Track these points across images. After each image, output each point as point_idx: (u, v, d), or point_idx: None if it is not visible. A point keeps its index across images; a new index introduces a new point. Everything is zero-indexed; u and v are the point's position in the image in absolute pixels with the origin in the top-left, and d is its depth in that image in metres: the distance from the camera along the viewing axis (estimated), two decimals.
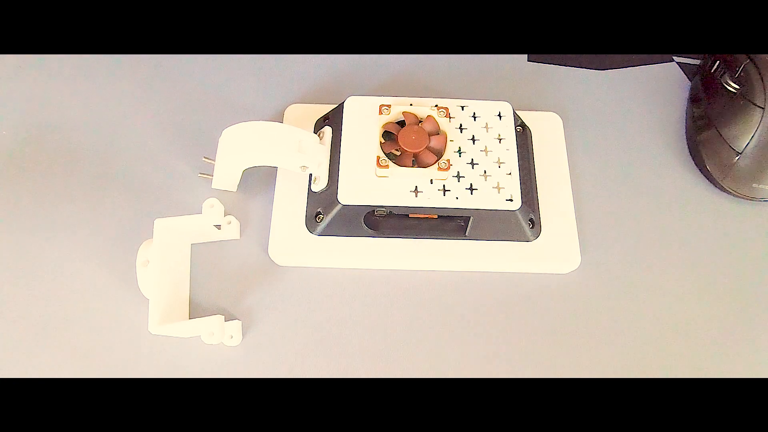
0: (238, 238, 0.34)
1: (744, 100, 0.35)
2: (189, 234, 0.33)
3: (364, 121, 0.33)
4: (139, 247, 0.31)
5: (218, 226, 0.33)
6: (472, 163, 0.32)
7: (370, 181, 0.31)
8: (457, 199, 0.31)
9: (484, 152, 0.32)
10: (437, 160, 0.32)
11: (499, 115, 0.33)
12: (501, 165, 0.32)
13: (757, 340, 0.32)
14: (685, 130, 0.39)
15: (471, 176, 0.32)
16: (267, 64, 0.40)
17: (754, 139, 0.34)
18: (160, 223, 0.31)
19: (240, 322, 0.32)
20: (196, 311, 0.32)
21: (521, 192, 0.31)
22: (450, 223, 0.33)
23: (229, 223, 0.33)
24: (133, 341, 0.31)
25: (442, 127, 0.33)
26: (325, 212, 0.32)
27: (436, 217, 0.33)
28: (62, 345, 0.31)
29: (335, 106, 0.35)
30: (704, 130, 0.37)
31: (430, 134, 0.32)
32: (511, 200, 0.31)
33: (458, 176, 0.31)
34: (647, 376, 0.31)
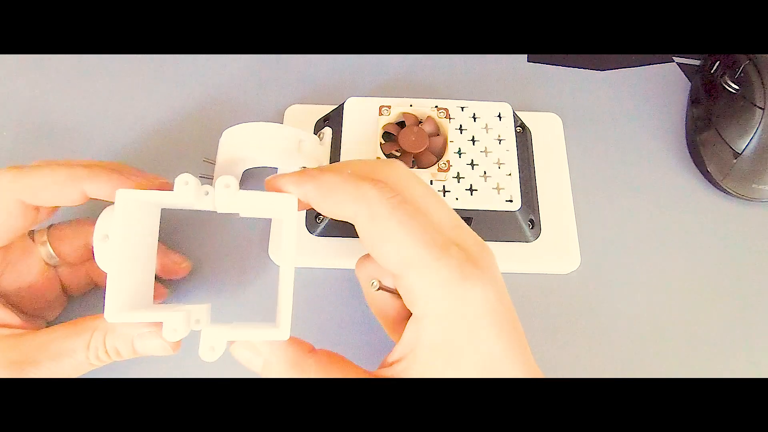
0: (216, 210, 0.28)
1: (744, 100, 0.35)
2: (158, 204, 0.28)
3: (364, 121, 0.33)
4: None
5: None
6: (472, 164, 0.32)
7: None
8: (457, 200, 0.31)
9: (484, 153, 0.32)
10: (437, 161, 0.32)
11: (499, 115, 0.33)
12: (501, 166, 0.32)
13: (757, 340, 0.32)
14: (685, 131, 0.39)
15: (471, 177, 0.32)
16: (267, 64, 0.40)
17: (754, 140, 0.34)
18: (123, 195, 0.25)
19: (209, 305, 0.28)
20: None
21: (521, 193, 0.31)
22: None
23: (207, 194, 0.27)
24: None
25: (442, 128, 0.33)
26: None
27: None
28: None
29: (335, 106, 0.35)
30: (704, 131, 0.37)
31: (430, 135, 0.32)
32: (511, 201, 0.31)
33: (458, 177, 0.31)
34: (647, 375, 0.31)
